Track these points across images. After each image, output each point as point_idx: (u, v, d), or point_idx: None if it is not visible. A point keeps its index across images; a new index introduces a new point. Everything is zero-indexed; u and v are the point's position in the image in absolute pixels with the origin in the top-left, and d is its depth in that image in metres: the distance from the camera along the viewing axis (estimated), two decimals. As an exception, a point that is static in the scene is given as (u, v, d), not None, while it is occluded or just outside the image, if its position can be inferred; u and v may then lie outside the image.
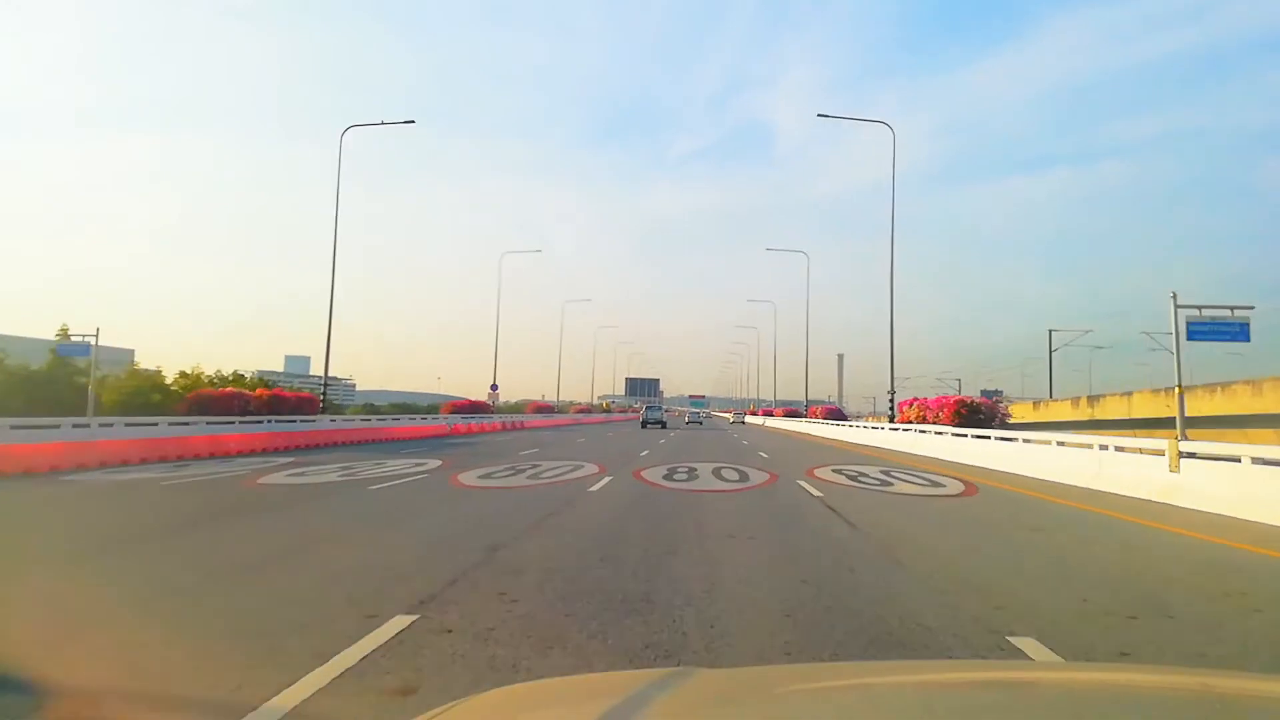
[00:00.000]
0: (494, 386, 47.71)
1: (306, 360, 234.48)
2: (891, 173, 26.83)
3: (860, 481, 12.89)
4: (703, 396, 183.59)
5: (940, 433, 21.29)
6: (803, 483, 12.46)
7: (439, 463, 16.39)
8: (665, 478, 13.00)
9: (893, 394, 26.58)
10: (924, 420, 24.06)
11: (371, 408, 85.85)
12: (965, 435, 18.80)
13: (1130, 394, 42.14)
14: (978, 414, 22.42)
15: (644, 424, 47.89)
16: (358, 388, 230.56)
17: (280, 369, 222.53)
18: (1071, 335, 53.98)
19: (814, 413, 46.99)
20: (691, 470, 14.46)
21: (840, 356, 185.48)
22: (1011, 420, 23.84)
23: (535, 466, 15.08)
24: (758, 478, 13.22)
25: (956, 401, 22.87)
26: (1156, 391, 40.36)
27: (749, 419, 78.79)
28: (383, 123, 29.05)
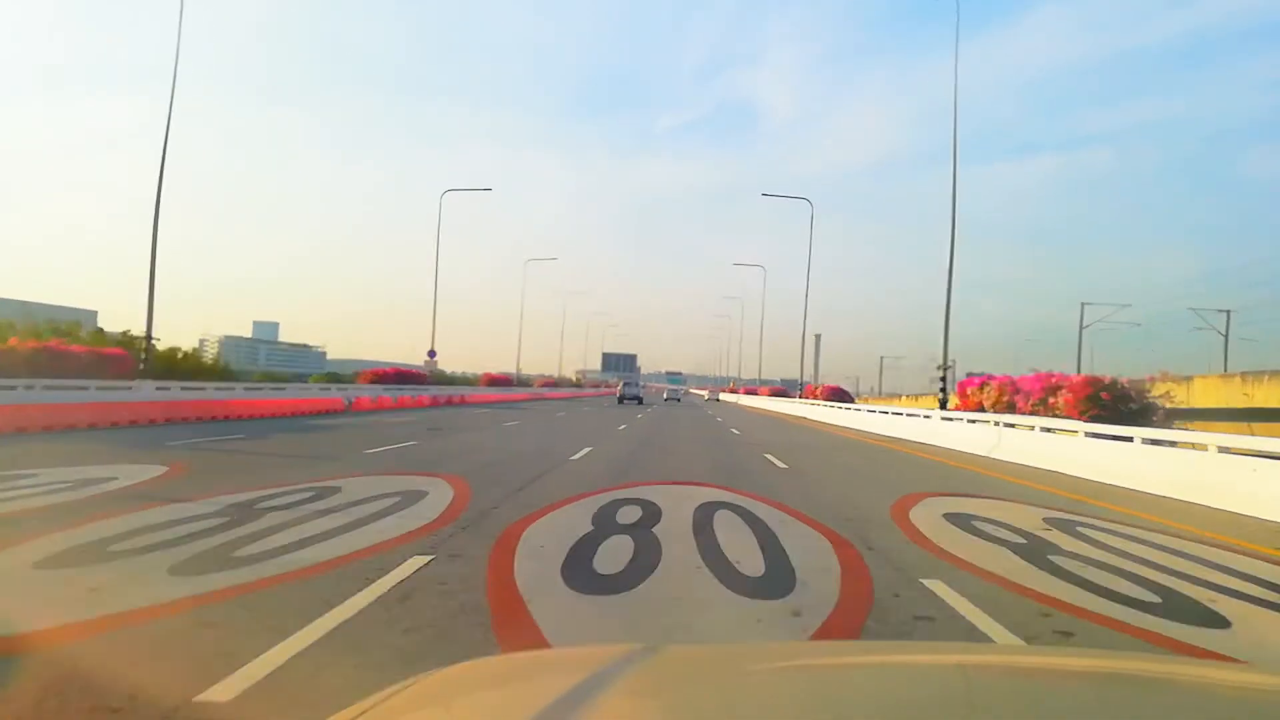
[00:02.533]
0: (431, 353, 39.19)
1: (275, 326, 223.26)
2: (955, 42, 18.75)
3: (1095, 588, 4.74)
4: (680, 373, 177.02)
5: (1050, 429, 13.27)
6: (957, 601, 4.32)
7: (158, 472, 8.13)
8: (575, 574, 4.81)
9: (947, 369, 18.59)
10: (1010, 408, 16.13)
11: (334, 376, 77.64)
12: (1129, 439, 10.67)
13: (1189, 379, 34.54)
14: (1126, 401, 14.35)
15: (621, 399, 47.40)
16: (328, 356, 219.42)
17: (248, 334, 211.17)
18: (1105, 310, 46.54)
19: (812, 393, 38.91)
20: (647, 516, 6.28)
21: (817, 336, 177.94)
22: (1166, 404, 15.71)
23: (317, 498, 6.81)
24: (814, 559, 5.04)
25: (1086, 381, 14.75)
26: (1228, 377, 32.83)
27: (724, 397, 75.29)
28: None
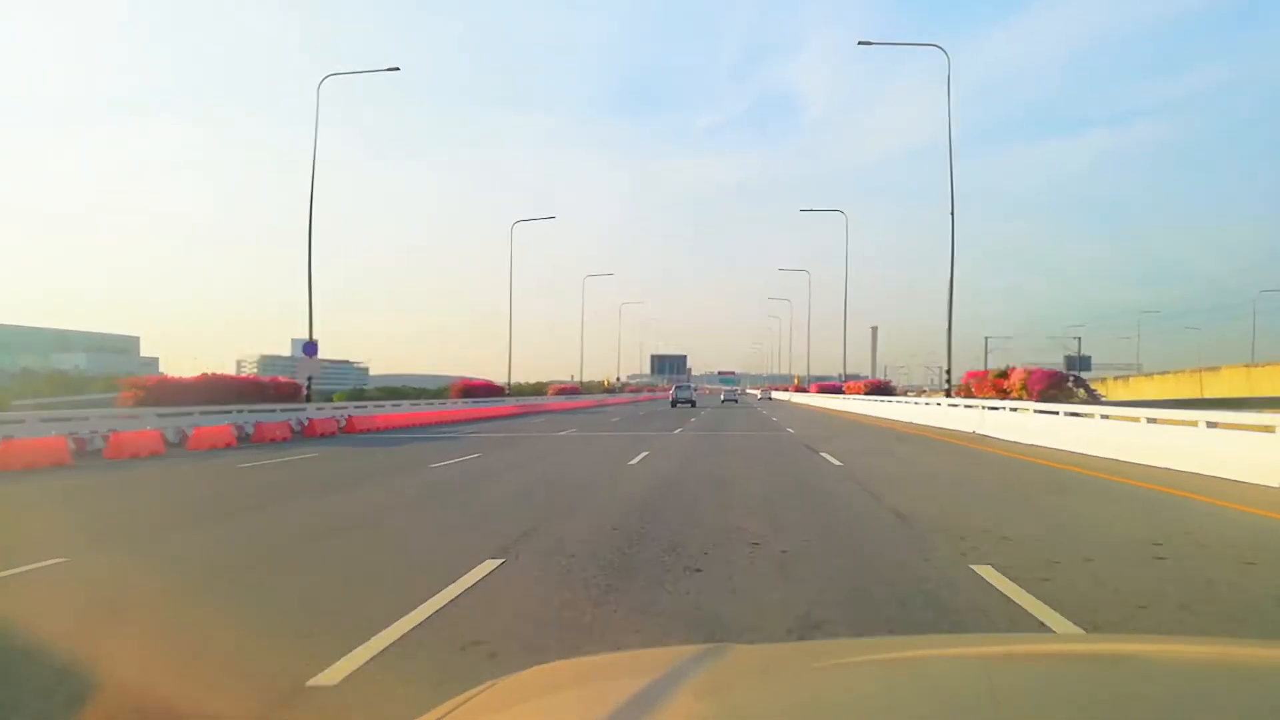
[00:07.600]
0: (307, 348, 23.23)
1: (314, 345, 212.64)
2: None
3: None
4: (733, 373, 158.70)
5: None
6: None
7: None
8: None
9: None
10: None
11: (358, 393, 67.83)
12: None
13: None
14: None
15: (674, 403, 44.71)
16: (371, 372, 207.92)
17: (288, 353, 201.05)
18: None
19: (989, 386, 20.80)
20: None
21: (874, 329, 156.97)
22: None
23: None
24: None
25: None
26: None
27: (776, 395, 72.85)
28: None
